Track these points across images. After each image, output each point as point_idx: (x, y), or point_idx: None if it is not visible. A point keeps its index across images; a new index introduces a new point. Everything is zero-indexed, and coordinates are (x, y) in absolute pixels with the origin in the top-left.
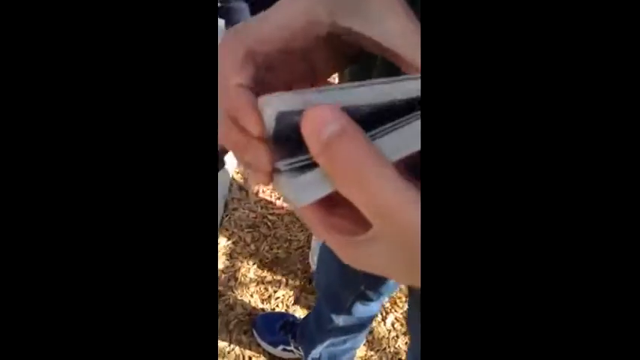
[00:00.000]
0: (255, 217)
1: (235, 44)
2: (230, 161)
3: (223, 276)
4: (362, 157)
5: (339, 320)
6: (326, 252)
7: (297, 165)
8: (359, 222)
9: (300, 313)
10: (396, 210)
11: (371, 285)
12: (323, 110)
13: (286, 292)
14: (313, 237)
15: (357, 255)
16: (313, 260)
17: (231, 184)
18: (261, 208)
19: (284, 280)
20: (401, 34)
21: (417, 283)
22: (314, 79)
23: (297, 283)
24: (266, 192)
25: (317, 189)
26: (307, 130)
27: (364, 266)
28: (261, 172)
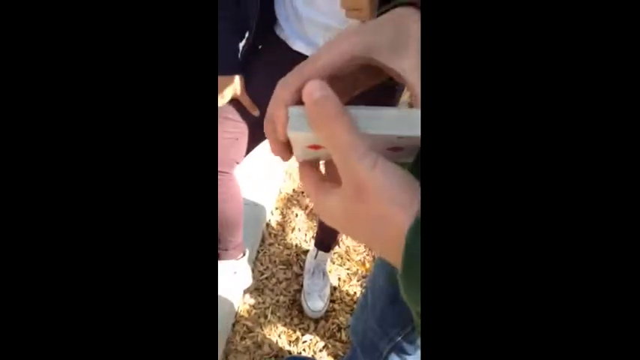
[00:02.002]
0: (290, 255)
1: (293, 78)
2: (269, 195)
3: (254, 312)
4: (332, 109)
5: None
6: (366, 299)
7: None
8: (335, 179)
9: None
10: (347, 149)
11: (408, 336)
12: (314, 82)
13: (314, 338)
14: (305, 278)
15: (320, 202)
16: (305, 302)
17: (269, 219)
18: (296, 246)
19: (312, 324)
20: (414, 71)
21: (371, 247)
22: (355, 90)
23: (326, 329)
24: (302, 230)
25: (303, 125)
26: (304, 95)
27: (324, 216)
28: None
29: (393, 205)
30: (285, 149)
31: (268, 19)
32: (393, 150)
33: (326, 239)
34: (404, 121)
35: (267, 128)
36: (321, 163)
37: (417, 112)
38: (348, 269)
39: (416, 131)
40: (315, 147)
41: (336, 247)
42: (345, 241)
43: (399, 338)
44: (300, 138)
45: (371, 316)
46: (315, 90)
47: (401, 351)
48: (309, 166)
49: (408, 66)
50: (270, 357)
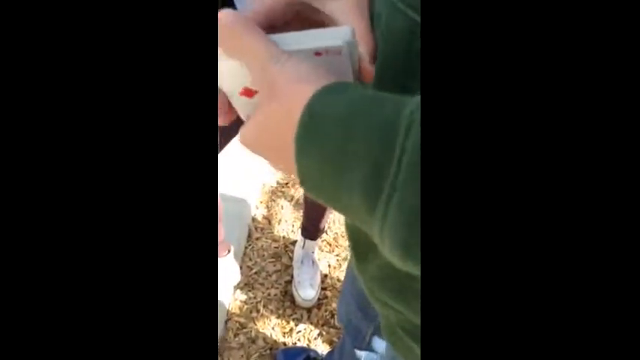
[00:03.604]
0: (278, 247)
1: (231, 16)
2: (253, 189)
3: (245, 307)
4: (242, 25)
5: (362, 355)
6: (346, 283)
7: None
8: None
9: (321, 348)
10: (261, 56)
11: None
12: (223, 12)
13: (307, 327)
14: (294, 268)
15: (242, 130)
16: (296, 291)
17: (254, 213)
18: (284, 237)
19: (305, 313)
20: (342, 13)
21: (284, 168)
22: None
23: (319, 317)
24: (288, 221)
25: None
26: (219, 27)
27: (246, 141)
28: None
29: (299, 83)
30: (226, 107)
31: (227, 3)
32: None
33: (312, 227)
34: (319, 35)
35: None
36: None
37: (331, 29)
38: (337, 255)
39: (333, 41)
40: (248, 92)
41: (324, 234)
42: (333, 228)
43: (379, 319)
44: (229, 81)
45: (350, 299)
46: (224, 16)
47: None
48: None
49: (337, 8)
50: (265, 350)
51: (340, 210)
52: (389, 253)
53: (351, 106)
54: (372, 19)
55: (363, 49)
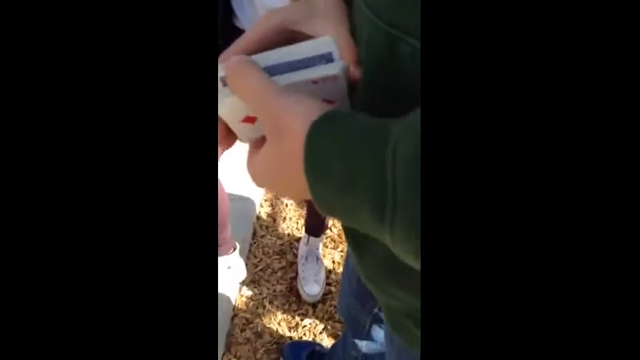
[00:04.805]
0: (282, 245)
1: (229, 51)
2: (257, 188)
3: (251, 303)
4: (242, 65)
5: (362, 345)
6: (344, 278)
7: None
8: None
9: (326, 342)
10: (261, 92)
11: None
12: (233, 57)
13: (313, 321)
14: (299, 265)
15: (251, 165)
16: (301, 287)
17: (258, 211)
18: (289, 235)
19: (311, 309)
20: (326, 32)
21: (294, 197)
22: None
23: (324, 312)
24: (292, 219)
25: (224, 97)
26: (225, 72)
27: (255, 176)
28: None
29: (291, 117)
30: (227, 133)
31: (227, 12)
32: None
33: (315, 224)
34: (305, 50)
35: None
36: None
37: (312, 41)
38: (341, 252)
39: (329, 70)
40: (250, 120)
41: (328, 231)
42: (337, 225)
43: (376, 310)
44: (231, 112)
45: (349, 291)
46: (233, 60)
47: (381, 322)
48: (252, 143)
49: (318, 26)
50: (272, 345)
51: (355, 226)
52: (403, 257)
53: (345, 143)
54: (353, 30)
55: (348, 56)
